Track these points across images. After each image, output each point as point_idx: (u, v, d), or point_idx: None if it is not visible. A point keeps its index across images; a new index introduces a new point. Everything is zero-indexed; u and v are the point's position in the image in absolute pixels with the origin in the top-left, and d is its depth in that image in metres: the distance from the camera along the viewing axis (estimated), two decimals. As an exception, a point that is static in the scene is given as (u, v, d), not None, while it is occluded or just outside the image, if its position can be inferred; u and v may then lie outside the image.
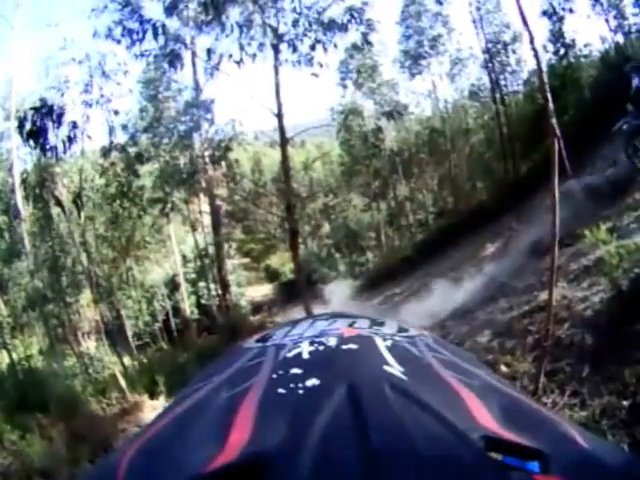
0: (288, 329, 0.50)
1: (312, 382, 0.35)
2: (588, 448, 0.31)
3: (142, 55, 10.09)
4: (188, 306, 13.75)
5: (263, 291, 16.28)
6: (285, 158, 9.40)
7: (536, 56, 4.69)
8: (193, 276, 14.77)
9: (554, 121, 4.60)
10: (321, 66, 9.62)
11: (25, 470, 6.57)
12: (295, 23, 9.44)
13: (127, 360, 11.61)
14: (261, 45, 9.50)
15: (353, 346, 0.41)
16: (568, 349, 4.02)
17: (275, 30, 9.32)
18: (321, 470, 0.25)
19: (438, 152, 16.17)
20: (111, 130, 12.03)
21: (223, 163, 11.39)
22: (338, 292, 12.50)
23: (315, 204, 13.90)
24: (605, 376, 3.35)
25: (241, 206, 13.04)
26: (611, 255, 4.46)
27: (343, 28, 9.67)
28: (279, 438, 0.28)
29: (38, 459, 6.80)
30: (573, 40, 13.94)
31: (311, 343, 0.43)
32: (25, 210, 11.63)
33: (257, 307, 15.05)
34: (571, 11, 13.84)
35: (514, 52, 14.65)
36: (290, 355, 0.42)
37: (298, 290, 9.32)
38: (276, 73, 9.41)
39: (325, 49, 9.53)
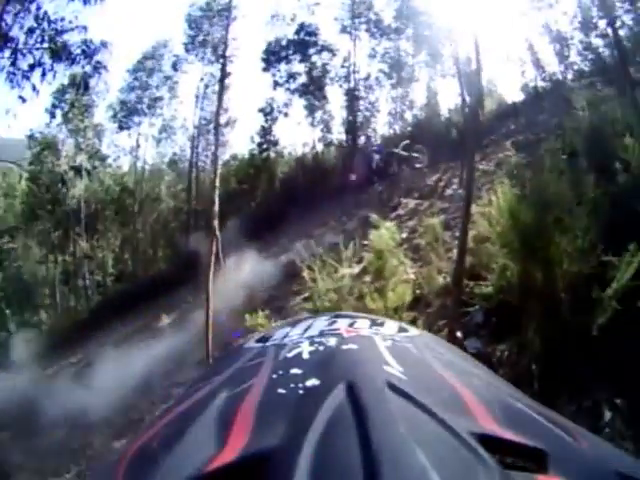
0: (288, 329, 0.50)
1: (312, 382, 0.35)
2: (588, 448, 0.32)
3: None
4: None
5: None
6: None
7: (215, 161, 5.29)
8: None
9: (216, 223, 5.07)
10: (34, 90, 8.59)
11: None
12: (31, 32, 8.32)
13: None
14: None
15: (353, 346, 0.41)
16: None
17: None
18: (321, 470, 0.24)
19: (126, 212, 15.74)
20: None
21: None
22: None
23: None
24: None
25: None
26: None
27: (71, 60, 8.95)
28: (279, 438, 0.28)
29: None
30: (277, 139, 15.84)
31: (311, 343, 0.43)
32: None
33: None
34: (286, 115, 16.00)
35: (223, 135, 15.42)
36: (290, 355, 0.41)
37: None
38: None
39: (44, 74, 8.58)
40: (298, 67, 16.17)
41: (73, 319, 13.34)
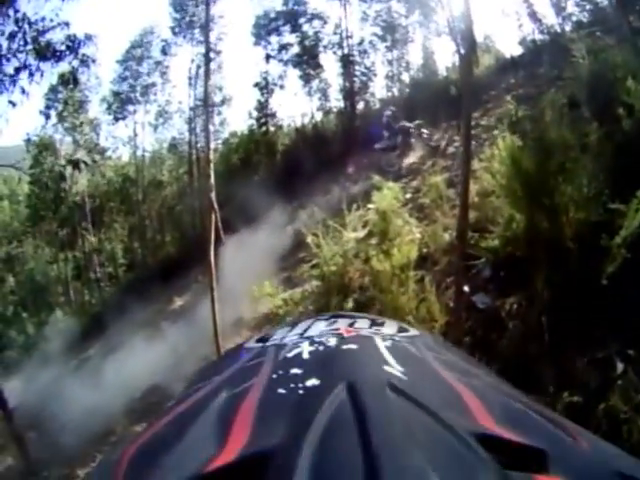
0: (288, 329, 0.51)
1: (312, 382, 0.35)
2: (588, 448, 0.32)
3: None
4: None
5: None
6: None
7: (207, 138, 5.24)
8: None
9: (213, 195, 5.09)
10: (23, 92, 8.45)
11: None
12: (12, 36, 8.21)
13: None
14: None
15: (353, 346, 0.41)
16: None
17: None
18: (321, 470, 0.24)
19: (130, 202, 15.82)
20: None
21: None
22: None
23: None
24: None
25: None
26: (277, 306, 5.15)
27: (57, 57, 8.79)
28: (279, 438, 0.28)
29: None
30: (275, 112, 15.77)
31: (311, 343, 0.43)
32: None
33: None
34: (282, 87, 15.88)
35: (220, 113, 15.67)
36: (290, 355, 0.42)
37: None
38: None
39: (31, 75, 8.45)
40: (289, 38, 15.93)
41: (87, 313, 13.52)
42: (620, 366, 2.84)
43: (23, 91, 8.53)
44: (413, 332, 0.50)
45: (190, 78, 15.28)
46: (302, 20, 15.82)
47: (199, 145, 15.29)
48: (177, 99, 15.85)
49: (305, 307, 5.27)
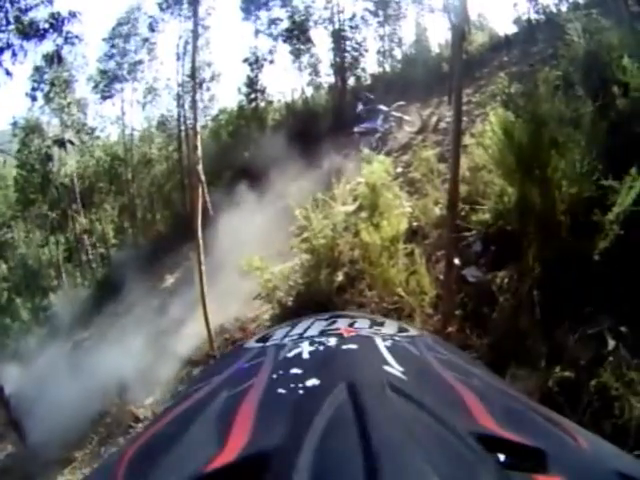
0: (288, 329, 0.51)
1: (312, 382, 0.35)
2: (588, 448, 0.32)
3: None
4: None
5: None
6: None
7: (194, 110, 5.15)
8: None
9: (200, 168, 5.10)
10: (8, 74, 8.35)
11: None
12: None
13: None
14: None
15: (353, 346, 0.41)
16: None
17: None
18: (321, 470, 0.25)
19: (120, 181, 15.68)
20: None
21: None
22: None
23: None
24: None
25: None
26: (266, 280, 5.12)
27: (40, 35, 8.64)
28: (279, 438, 0.28)
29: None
30: (265, 87, 15.62)
31: (311, 343, 0.43)
32: None
33: None
34: (271, 62, 15.70)
35: (209, 89, 15.46)
36: (290, 355, 0.42)
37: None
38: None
39: (14, 55, 8.31)
40: (279, 12, 15.68)
41: (80, 295, 13.48)
42: (611, 343, 2.84)
43: (7, 72, 8.44)
44: (413, 332, 0.51)
45: (178, 55, 15.00)
46: (292, -6, 15.54)
47: (188, 122, 15.07)
48: (165, 76, 15.61)
49: (294, 281, 5.27)
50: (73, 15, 9.51)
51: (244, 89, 15.66)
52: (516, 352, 3.03)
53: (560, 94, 3.94)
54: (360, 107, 10.30)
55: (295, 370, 0.38)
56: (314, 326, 0.50)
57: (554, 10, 13.21)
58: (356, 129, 10.09)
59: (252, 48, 15.67)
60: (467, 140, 5.14)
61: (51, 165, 13.29)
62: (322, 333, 0.47)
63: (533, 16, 13.69)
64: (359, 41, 15.79)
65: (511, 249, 3.74)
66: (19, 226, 15.11)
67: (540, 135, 3.52)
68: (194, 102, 5.00)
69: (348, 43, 15.66)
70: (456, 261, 3.97)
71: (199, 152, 4.51)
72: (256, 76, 15.61)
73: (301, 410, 0.32)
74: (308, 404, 0.32)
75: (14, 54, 8.42)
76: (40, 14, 8.81)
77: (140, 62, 15.34)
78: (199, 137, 4.69)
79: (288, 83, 23.57)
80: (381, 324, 0.52)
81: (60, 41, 9.67)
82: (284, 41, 15.59)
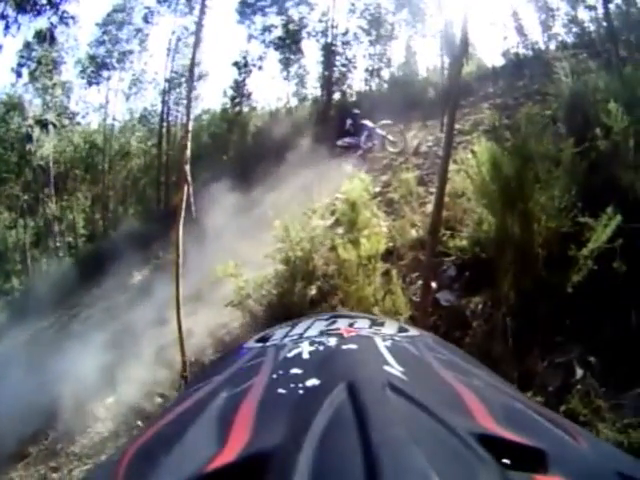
0: (288, 329, 0.51)
1: (312, 382, 0.35)
2: (588, 448, 0.32)
3: None
4: None
5: None
6: None
7: (188, 107, 5.14)
8: None
9: (187, 168, 5.19)
10: None
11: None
12: None
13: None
14: None
15: (353, 346, 0.41)
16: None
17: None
18: (321, 470, 0.24)
19: (95, 171, 15.43)
20: None
21: None
22: None
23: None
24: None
25: None
26: (240, 287, 5.06)
27: (36, 11, 8.55)
28: (279, 438, 0.28)
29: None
30: (250, 93, 15.72)
31: (311, 343, 0.43)
32: None
33: None
34: (260, 68, 15.79)
35: (195, 89, 15.16)
36: (290, 355, 0.42)
37: None
38: None
39: (8, 27, 8.23)
40: (274, 20, 15.82)
41: (45, 283, 13.03)
42: (580, 371, 2.95)
43: (-2, 45, 7.86)
44: (413, 332, 0.51)
45: (169, 49, 15.00)
46: (290, 3, 15.77)
47: (170, 119, 15.11)
48: (153, 69, 15.85)
49: (268, 290, 5.22)
50: (72, -6, 9.19)
51: (230, 92, 15.73)
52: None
53: (545, 131, 4.10)
54: (349, 122, 10.37)
55: (295, 370, 0.38)
56: (314, 326, 0.50)
57: (542, 47, 13.75)
58: (339, 143, 10.16)
59: (243, 52, 15.75)
60: (449, 166, 5.25)
61: (30, 145, 12.85)
62: (322, 333, 0.47)
63: (521, 50, 14.19)
64: (349, 57, 16.05)
65: (485, 276, 3.83)
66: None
67: (525, 170, 3.65)
68: (188, 100, 4.96)
69: (338, 58, 15.90)
70: (433, 284, 4.05)
71: (188, 152, 4.44)
72: (243, 80, 15.71)
73: (301, 410, 0.32)
74: (308, 404, 0.32)
75: (7, 26, 8.44)
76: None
77: (130, 52, 15.24)
78: (189, 136, 4.64)
79: (274, 91, 23.64)
80: (381, 324, 0.52)
81: (55, 20, 9.62)
82: (275, 49, 15.75)
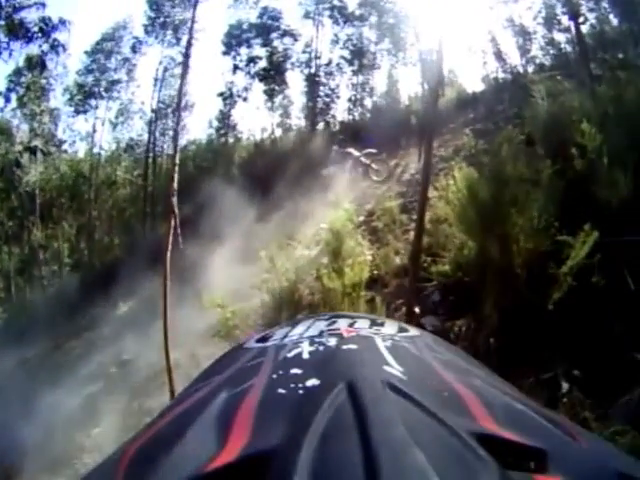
0: (288, 329, 0.51)
1: (312, 382, 0.35)
2: (588, 448, 0.32)
3: None
4: None
5: None
6: None
7: (175, 140, 5.11)
8: None
9: (175, 200, 5.00)
10: None
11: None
12: None
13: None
14: None
15: (353, 346, 0.41)
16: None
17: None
18: (321, 470, 0.25)
19: (81, 200, 15.33)
20: None
21: None
22: None
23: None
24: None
25: None
26: (227, 318, 4.98)
27: (28, 38, 8.62)
28: (279, 438, 0.29)
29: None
30: (236, 124, 15.89)
31: (311, 343, 0.43)
32: None
33: None
34: (245, 99, 15.97)
35: (182, 119, 15.18)
36: (290, 355, 0.42)
37: None
38: None
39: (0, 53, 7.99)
40: (259, 51, 16.09)
41: (28, 312, 12.80)
42: (565, 385, 2.97)
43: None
44: (413, 332, 0.51)
45: (156, 79, 15.11)
46: (274, 35, 16.06)
47: (157, 149, 15.10)
48: (140, 99, 15.61)
49: (254, 321, 5.22)
50: (63, 23, 9.61)
51: (215, 123, 15.90)
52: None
53: (522, 153, 4.20)
54: (334, 151, 10.52)
55: (295, 370, 0.38)
56: (314, 326, 0.50)
57: (521, 70, 14.10)
58: (325, 172, 10.27)
59: (228, 83, 15.93)
60: (430, 193, 5.29)
61: (18, 171, 12.79)
62: (322, 333, 0.47)
63: (501, 75, 14.51)
64: (332, 87, 16.33)
65: (468, 299, 3.87)
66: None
67: (501, 193, 3.72)
68: (175, 133, 5.04)
69: (321, 88, 16.19)
70: (417, 309, 4.08)
71: (175, 183, 4.47)
72: (229, 111, 15.90)
73: (301, 410, 0.32)
74: (308, 404, 0.32)
75: (-1, 52, 7.96)
76: (31, 16, 8.88)
77: (118, 81, 15.30)
78: (176, 168, 4.68)
79: (259, 122, 23.92)
80: (381, 324, 0.52)
81: (46, 47, 9.60)
82: (260, 80, 15.93)
